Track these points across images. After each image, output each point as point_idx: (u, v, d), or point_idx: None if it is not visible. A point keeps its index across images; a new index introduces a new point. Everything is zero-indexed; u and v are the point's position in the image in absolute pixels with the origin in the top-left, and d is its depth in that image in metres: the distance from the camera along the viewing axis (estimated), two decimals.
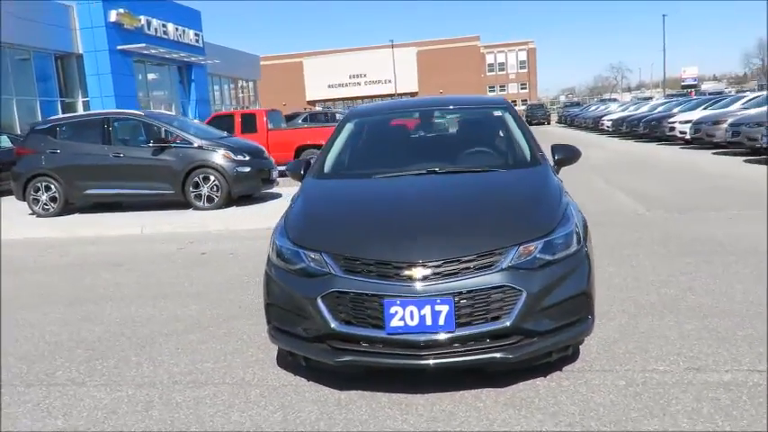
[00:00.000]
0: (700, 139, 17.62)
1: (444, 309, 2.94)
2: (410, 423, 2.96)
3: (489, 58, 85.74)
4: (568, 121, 43.39)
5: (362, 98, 73.81)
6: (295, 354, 3.39)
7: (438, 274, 3.00)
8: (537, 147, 4.26)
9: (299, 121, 22.56)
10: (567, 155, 4.31)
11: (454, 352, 3.00)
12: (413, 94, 71.20)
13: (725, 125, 15.95)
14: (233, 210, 9.92)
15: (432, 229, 3.24)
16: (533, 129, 38.19)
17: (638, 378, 3.26)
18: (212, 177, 9.92)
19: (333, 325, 3.07)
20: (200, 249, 7.34)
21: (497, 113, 4.73)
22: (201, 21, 29.68)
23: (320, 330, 3.12)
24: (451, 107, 5.10)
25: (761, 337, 3.68)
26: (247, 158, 10.19)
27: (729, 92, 48.42)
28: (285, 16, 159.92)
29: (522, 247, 3.09)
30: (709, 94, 43.22)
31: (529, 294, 2.99)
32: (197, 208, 10.00)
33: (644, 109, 28.63)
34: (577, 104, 57.57)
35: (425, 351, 2.99)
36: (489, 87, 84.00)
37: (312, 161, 4.67)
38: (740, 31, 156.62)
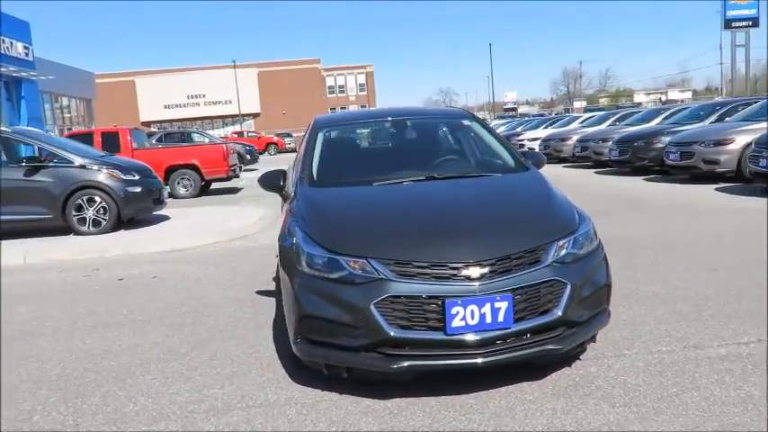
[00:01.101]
0: (548, 154, 19.33)
1: (504, 305, 3.01)
2: (477, 422, 2.97)
3: (329, 81, 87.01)
4: None
5: (202, 119, 71.30)
6: (333, 366, 3.26)
7: (494, 272, 3.06)
8: (516, 152, 4.50)
9: (154, 141, 21.31)
10: (537, 160, 4.59)
11: (512, 347, 3.08)
12: (255, 115, 70.30)
13: (572, 141, 17.74)
14: (122, 234, 9.11)
15: (472, 230, 3.30)
16: None
17: (651, 359, 3.56)
18: (98, 199, 9.06)
19: (391, 332, 3.00)
20: (112, 276, 6.69)
21: (466, 122, 4.91)
22: (31, 33, 27.00)
23: (373, 338, 3.04)
24: (420, 117, 5.19)
25: (726, 315, 4.18)
26: (137, 178, 9.46)
27: (546, 114, 53.33)
28: (116, 33, 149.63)
29: (557, 244, 3.26)
30: (533, 115, 47.56)
31: (572, 286, 3.16)
32: (80, 233, 9.06)
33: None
34: None
35: (483, 349, 3.03)
36: (331, 109, 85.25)
37: (288, 172, 4.51)
38: (549, 61, 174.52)
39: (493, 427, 2.92)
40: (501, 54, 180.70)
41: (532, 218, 3.50)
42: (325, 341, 3.20)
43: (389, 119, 4.98)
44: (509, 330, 3.04)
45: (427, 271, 3.06)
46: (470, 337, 3.01)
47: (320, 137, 4.63)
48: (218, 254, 7.59)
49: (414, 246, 3.17)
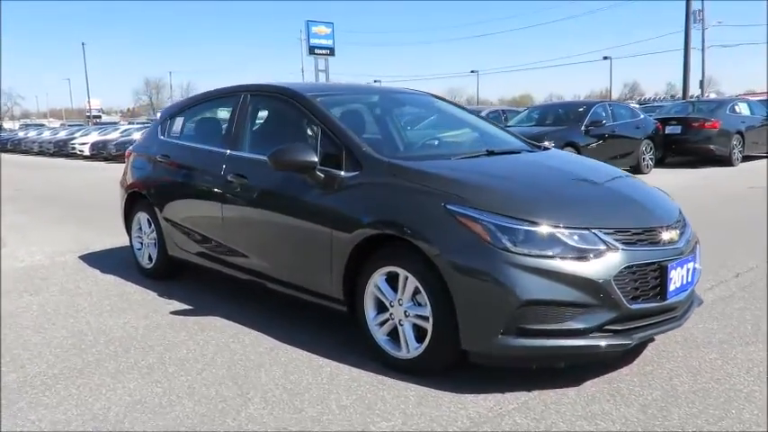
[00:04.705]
0: None
1: (692, 265, 3.16)
2: (697, 375, 3.03)
3: None
4: (10, 146, 37.93)
5: None
6: (544, 360, 2.89)
7: (679, 234, 3.17)
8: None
9: None
10: None
11: (691, 305, 3.24)
12: None
13: None
14: None
15: (634, 198, 3.30)
16: None
17: None
18: None
19: (631, 305, 2.85)
20: None
21: (438, 102, 4.77)
22: None
23: (612, 314, 2.81)
24: (400, 94, 4.76)
25: None
26: None
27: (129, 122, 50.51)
28: None
29: None
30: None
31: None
32: None
33: (115, 134, 28.14)
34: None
35: (682, 309, 3.12)
36: None
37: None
38: (132, 69, 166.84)
39: (706, 370, 3.07)
40: (87, 57, 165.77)
41: (645, 186, 3.65)
42: (548, 329, 2.79)
43: (376, 94, 4.51)
44: (692, 287, 3.19)
45: (643, 237, 2.98)
46: (680, 299, 3.06)
47: (335, 111, 3.83)
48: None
49: (613, 214, 3.06)
